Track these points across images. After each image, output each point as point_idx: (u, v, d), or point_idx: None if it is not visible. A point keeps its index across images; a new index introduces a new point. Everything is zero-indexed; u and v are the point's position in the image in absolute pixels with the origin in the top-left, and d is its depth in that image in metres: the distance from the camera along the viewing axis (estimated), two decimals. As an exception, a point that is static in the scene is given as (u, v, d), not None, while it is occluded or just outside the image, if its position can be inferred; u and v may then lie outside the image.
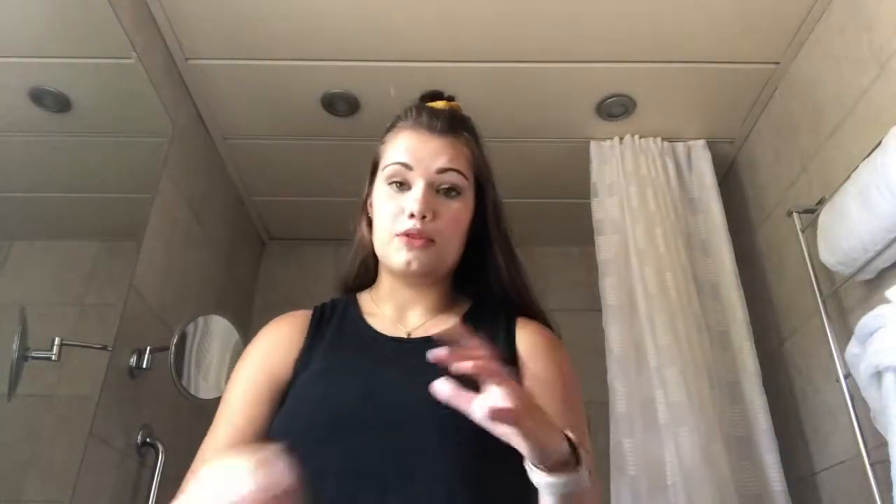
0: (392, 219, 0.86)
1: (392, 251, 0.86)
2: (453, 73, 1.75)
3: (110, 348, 1.39)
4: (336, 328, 0.90)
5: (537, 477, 0.63)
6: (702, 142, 1.96)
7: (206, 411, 1.91)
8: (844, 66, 1.47)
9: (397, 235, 0.85)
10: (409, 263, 0.84)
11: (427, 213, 0.84)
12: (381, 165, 0.90)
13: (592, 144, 1.96)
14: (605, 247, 1.82)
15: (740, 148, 2.01)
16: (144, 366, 1.50)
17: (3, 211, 1.15)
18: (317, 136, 1.99)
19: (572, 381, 0.85)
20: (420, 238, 0.84)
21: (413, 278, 0.88)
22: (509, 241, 0.95)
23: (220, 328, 1.64)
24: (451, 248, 0.88)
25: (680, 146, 1.96)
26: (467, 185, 0.88)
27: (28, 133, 1.22)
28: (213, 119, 1.92)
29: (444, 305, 0.91)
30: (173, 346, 1.50)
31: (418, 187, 0.85)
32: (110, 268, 1.47)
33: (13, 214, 1.17)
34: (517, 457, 0.64)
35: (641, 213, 1.79)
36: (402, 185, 0.87)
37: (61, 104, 1.27)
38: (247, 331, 2.31)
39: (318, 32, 1.64)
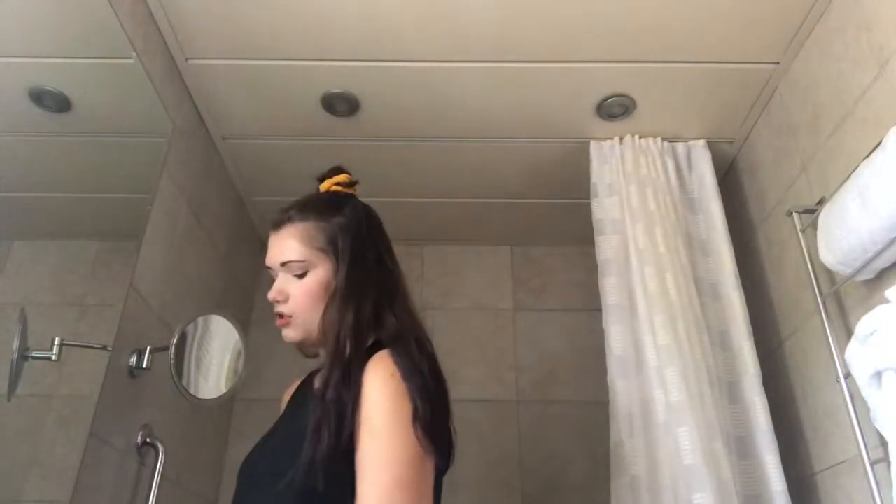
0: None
1: None
2: (453, 73, 1.75)
3: (110, 348, 1.39)
4: (299, 392, 1.17)
5: None
6: (702, 142, 1.96)
7: (206, 411, 1.92)
8: (844, 66, 1.47)
9: None
10: (285, 338, 1.08)
11: (279, 297, 1.06)
12: None
13: (592, 144, 1.96)
14: (605, 247, 1.82)
15: (740, 148, 2.01)
16: (144, 366, 1.50)
17: (3, 211, 1.15)
18: (317, 136, 1.99)
19: (375, 414, 0.90)
20: (280, 318, 1.07)
21: (299, 349, 1.13)
22: (348, 293, 1.04)
23: (220, 328, 1.63)
24: (312, 317, 1.04)
25: (680, 146, 1.96)
26: (310, 263, 1.05)
27: (28, 133, 1.22)
28: (213, 119, 1.92)
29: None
30: (173, 346, 1.50)
31: (276, 279, 1.08)
32: (110, 268, 1.47)
33: (13, 214, 1.17)
34: None
35: (641, 213, 1.79)
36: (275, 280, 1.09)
37: (61, 104, 1.27)
38: (247, 331, 2.31)
39: (318, 32, 1.64)
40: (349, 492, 0.87)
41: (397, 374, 0.91)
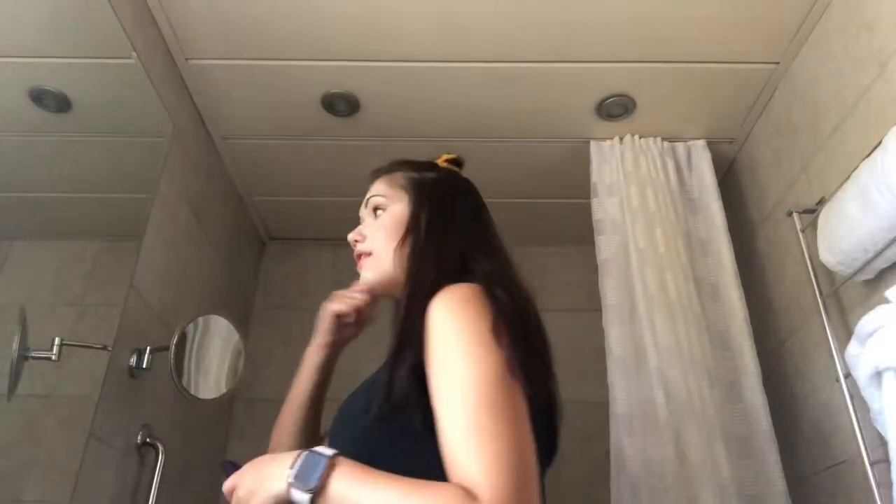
0: None
1: None
2: (453, 73, 1.75)
3: (110, 348, 1.39)
4: None
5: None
6: (702, 142, 1.96)
7: (206, 411, 1.92)
8: (844, 66, 1.47)
9: None
10: (362, 281, 1.06)
11: (357, 237, 1.06)
12: None
13: (592, 144, 1.96)
14: (605, 247, 1.82)
15: (740, 148, 2.01)
16: (144, 366, 1.50)
17: (3, 211, 1.15)
18: (317, 136, 1.99)
19: (443, 344, 0.80)
20: (359, 257, 1.06)
21: (377, 293, 1.07)
22: (429, 228, 1.01)
23: (220, 328, 1.64)
24: (384, 249, 1.02)
25: (680, 146, 1.96)
26: (388, 201, 1.06)
27: (28, 133, 1.22)
28: (213, 119, 1.92)
29: None
30: (173, 346, 1.50)
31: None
32: (110, 268, 1.46)
33: (13, 214, 1.17)
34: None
35: (641, 213, 1.79)
36: None
37: (61, 104, 1.27)
38: (247, 331, 2.31)
39: (318, 32, 1.64)
40: (427, 419, 0.79)
41: (474, 298, 0.83)
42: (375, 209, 1.06)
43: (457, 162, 1.19)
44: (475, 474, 0.68)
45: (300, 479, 0.72)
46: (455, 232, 1.00)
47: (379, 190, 1.08)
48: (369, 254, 1.03)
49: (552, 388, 0.94)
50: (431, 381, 0.78)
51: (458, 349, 0.78)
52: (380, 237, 1.03)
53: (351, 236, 1.06)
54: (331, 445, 0.80)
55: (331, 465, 0.72)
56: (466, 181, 1.14)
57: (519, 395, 0.77)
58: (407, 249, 0.99)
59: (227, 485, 0.80)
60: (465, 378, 0.75)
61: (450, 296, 0.83)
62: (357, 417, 0.88)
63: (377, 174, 1.11)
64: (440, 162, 1.17)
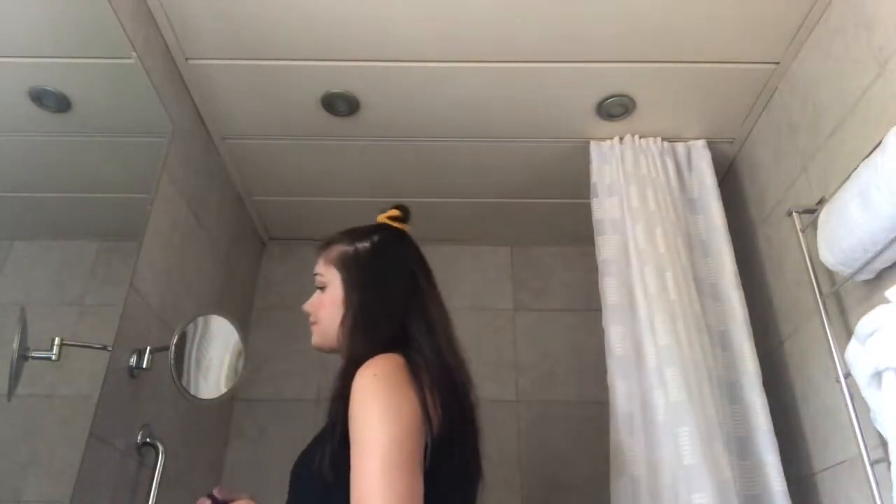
0: None
1: None
2: (453, 73, 1.75)
3: (110, 348, 1.39)
4: None
5: None
6: (702, 142, 1.96)
7: (206, 411, 1.92)
8: (844, 66, 1.47)
9: None
10: (312, 343, 1.22)
11: (307, 309, 1.23)
12: None
13: (592, 144, 1.96)
14: (605, 247, 1.82)
15: (740, 148, 2.01)
16: (144, 366, 1.50)
17: (3, 211, 1.15)
18: (317, 136, 1.99)
19: (359, 423, 0.93)
20: (311, 325, 1.22)
21: (324, 352, 1.22)
22: (359, 305, 1.14)
23: (220, 328, 1.64)
24: (329, 323, 1.16)
25: (680, 146, 1.96)
26: (327, 279, 1.19)
27: (28, 133, 1.22)
28: (213, 119, 1.92)
29: None
30: (173, 346, 1.50)
31: None
32: (110, 268, 1.47)
33: (13, 214, 1.17)
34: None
35: (641, 213, 1.79)
36: None
37: (61, 104, 1.27)
38: (247, 331, 2.31)
39: (318, 32, 1.64)
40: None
41: (390, 372, 0.97)
42: (319, 287, 1.20)
43: (399, 218, 1.28)
44: None
45: None
46: (387, 305, 1.12)
47: (319, 268, 1.21)
48: (316, 323, 1.20)
49: (473, 445, 1.09)
50: (350, 443, 0.93)
51: (366, 420, 0.92)
52: (322, 315, 1.18)
53: (304, 307, 1.23)
54: (289, 495, 1.04)
55: None
56: (403, 245, 1.23)
57: (415, 460, 0.91)
58: (347, 326, 1.11)
59: None
60: (369, 446, 0.90)
61: (370, 370, 0.97)
62: (306, 482, 1.03)
63: (317, 250, 1.23)
64: (382, 219, 1.27)
